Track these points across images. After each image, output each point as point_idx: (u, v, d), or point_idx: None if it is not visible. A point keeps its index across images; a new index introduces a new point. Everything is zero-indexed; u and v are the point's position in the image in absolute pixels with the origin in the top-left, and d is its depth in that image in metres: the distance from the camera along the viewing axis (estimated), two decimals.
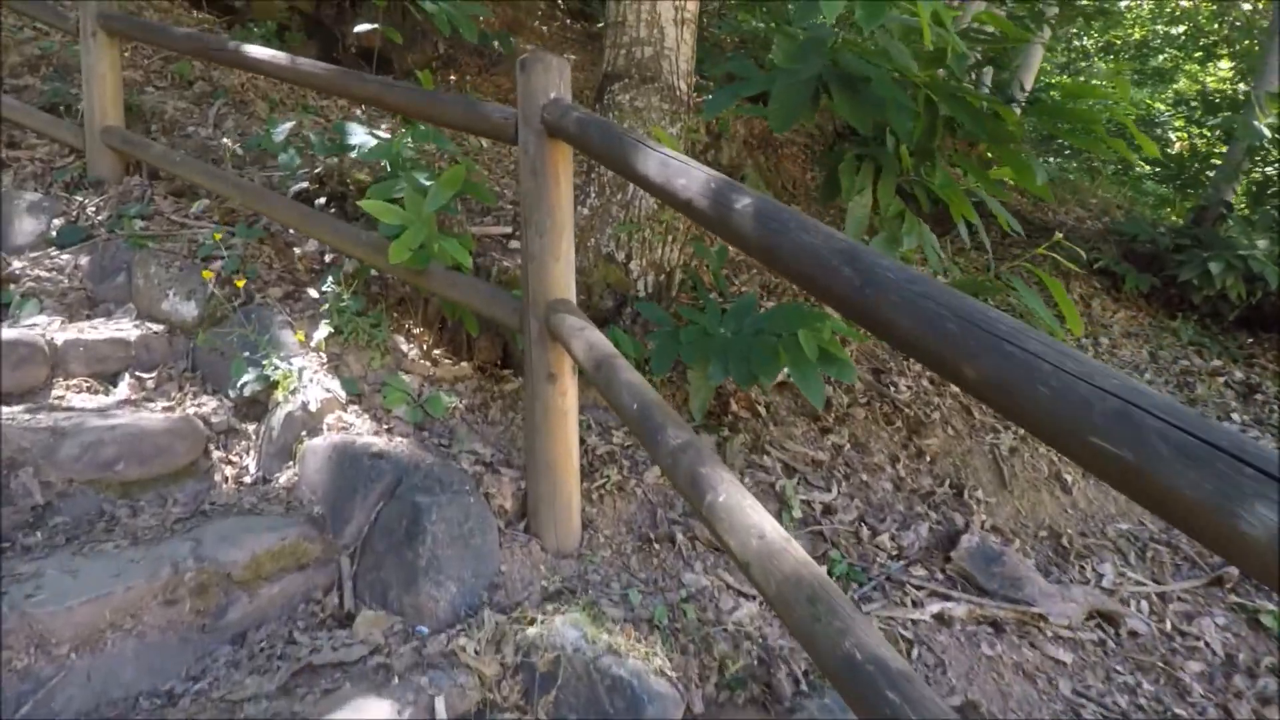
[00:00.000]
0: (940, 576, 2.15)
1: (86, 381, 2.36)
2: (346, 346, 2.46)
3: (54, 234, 2.99)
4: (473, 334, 2.58)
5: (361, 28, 4.08)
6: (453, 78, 6.49)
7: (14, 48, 4.55)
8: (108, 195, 3.21)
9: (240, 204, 2.94)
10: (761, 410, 2.60)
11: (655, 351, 2.35)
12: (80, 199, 3.18)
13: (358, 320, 2.49)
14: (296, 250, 2.97)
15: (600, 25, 8.60)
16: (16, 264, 2.78)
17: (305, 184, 3.26)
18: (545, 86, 1.93)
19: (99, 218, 3.08)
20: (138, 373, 2.46)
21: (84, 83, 3.35)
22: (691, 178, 1.34)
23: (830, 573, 2.09)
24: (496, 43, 6.24)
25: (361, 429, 2.19)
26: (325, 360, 2.38)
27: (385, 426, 2.23)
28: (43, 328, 2.46)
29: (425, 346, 2.65)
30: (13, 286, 2.68)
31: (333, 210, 3.17)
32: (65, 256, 2.91)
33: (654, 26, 3.03)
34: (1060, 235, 2.77)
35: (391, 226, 2.26)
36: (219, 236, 2.76)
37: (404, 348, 2.59)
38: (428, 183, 2.44)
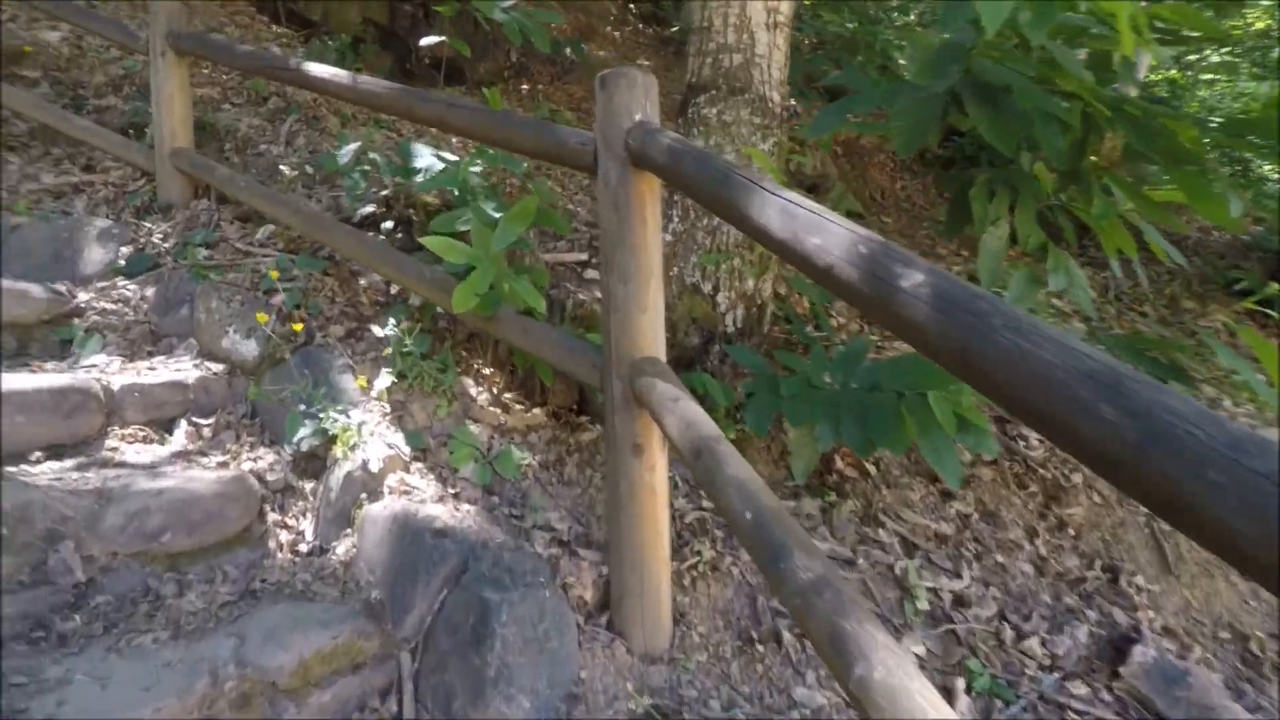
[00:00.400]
0: (1108, 698, 1.77)
1: (142, 430, 2.19)
2: (410, 393, 2.22)
3: (121, 263, 2.87)
4: (547, 383, 2.32)
5: (428, 40, 3.88)
6: (525, 87, 6.29)
7: (99, 67, 4.54)
8: (175, 221, 3.09)
9: (302, 232, 2.75)
10: (871, 468, 2.26)
11: (752, 407, 2.03)
12: (149, 225, 3.06)
13: (423, 364, 2.26)
14: (361, 280, 2.77)
15: (674, 29, 8.28)
16: (83, 296, 2.66)
17: (372, 206, 3.07)
18: (629, 107, 1.64)
19: (166, 245, 2.95)
20: (195, 418, 2.28)
21: (153, 104, 3.24)
22: (830, 236, 1.02)
23: (970, 687, 1.74)
24: (569, 50, 5.99)
25: (425, 493, 1.95)
26: (388, 410, 2.16)
27: (451, 490, 1.98)
28: (101, 369, 2.31)
29: (495, 390, 2.40)
30: (77, 321, 2.55)
31: (399, 235, 2.96)
32: (131, 287, 2.78)
33: (743, 31, 2.71)
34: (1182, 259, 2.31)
35: (457, 265, 2.01)
36: (275, 274, 2.57)
37: (472, 391, 2.35)
38: (496, 214, 2.18)
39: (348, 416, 2.08)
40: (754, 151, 2.31)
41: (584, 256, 2.88)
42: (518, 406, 2.39)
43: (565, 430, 2.37)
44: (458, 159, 2.71)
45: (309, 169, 3.97)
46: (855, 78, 2.17)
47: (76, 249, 2.91)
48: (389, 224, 2.94)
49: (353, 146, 2.97)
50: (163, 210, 3.16)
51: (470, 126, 1.97)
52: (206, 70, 4.67)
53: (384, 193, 3.07)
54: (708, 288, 2.70)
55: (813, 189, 4.70)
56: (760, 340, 2.75)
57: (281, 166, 3.67)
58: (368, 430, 2.06)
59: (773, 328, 2.87)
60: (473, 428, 2.21)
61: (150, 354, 2.54)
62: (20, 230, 2.96)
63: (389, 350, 2.26)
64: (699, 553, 1.95)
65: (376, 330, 2.43)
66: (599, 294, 2.72)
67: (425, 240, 1.94)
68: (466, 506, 1.91)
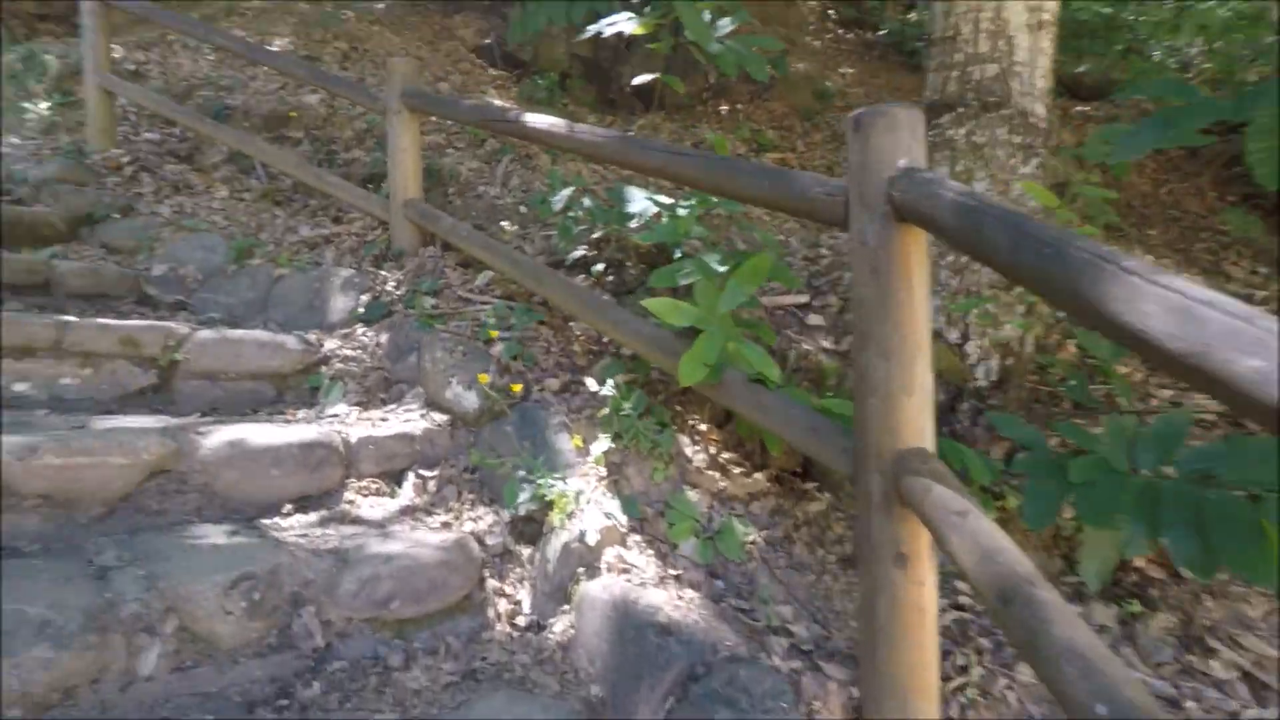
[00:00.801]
0: None
1: (375, 482, 2.25)
2: (626, 454, 2.08)
3: (361, 310, 3.04)
4: (774, 454, 2.08)
5: (641, 79, 3.79)
6: (724, 107, 6.12)
7: (347, 123, 4.99)
8: (407, 268, 3.23)
9: (517, 280, 2.74)
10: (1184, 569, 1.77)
11: (1031, 498, 1.65)
12: (384, 273, 3.23)
13: (638, 423, 2.11)
14: (574, 327, 2.70)
15: (881, 32, 7.72)
16: (328, 345, 2.83)
17: (583, 249, 3.01)
18: (891, 151, 1.36)
19: (398, 293, 3.09)
20: (421, 471, 2.31)
21: (389, 158, 3.43)
22: None
23: None
24: (770, 66, 5.72)
25: (645, 573, 1.78)
26: (604, 474, 2.03)
27: (672, 571, 1.79)
28: (341, 418, 2.42)
29: (712, 450, 2.20)
30: (324, 369, 2.72)
31: (609, 277, 2.87)
32: (369, 333, 2.93)
33: (998, 37, 2.30)
34: None
35: (679, 326, 1.83)
36: (495, 334, 2.56)
37: (688, 451, 2.16)
38: (720, 267, 1.98)
39: (564, 482, 1.98)
40: (1037, 189, 1.90)
41: (805, 299, 2.61)
42: (737, 470, 2.17)
43: (790, 499, 2.11)
44: (670, 200, 2.56)
45: (523, 209, 4.05)
46: (1174, 88, 1.70)
47: (324, 298, 3.13)
48: (600, 266, 2.87)
49: (566, 192, 2.93)
50: (396, 258, 3.33)
51: (697, 176, 1.78)
52: (434, 118, 4.95)
53: (595, 234, 3.01)
54: (954, 335, 2.31)
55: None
56: (1019, 396, 2.32)
57: (499, 205, 3.77)
58: (584, 498, 1.94)
59: (1031, 378, 2.41)
60: (690, 494, 2.02)
61: (383, 401, 2.64)
62: (283, 281, 3.25)
63: (605, 411, 2.14)
64: (964, 669, 1.61)
65: (591, 384, 2.33)
66: (825, 343, 2.43)
67: (647, 304, 1.78)
68: (690, 594, 1.72)
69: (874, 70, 7.09)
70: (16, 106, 4.94)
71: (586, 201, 2.96)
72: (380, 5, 6.87)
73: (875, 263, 1.37)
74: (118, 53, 5.66)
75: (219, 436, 2.04)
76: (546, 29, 5.40)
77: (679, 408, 2.31)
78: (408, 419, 2.44)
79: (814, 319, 2.50)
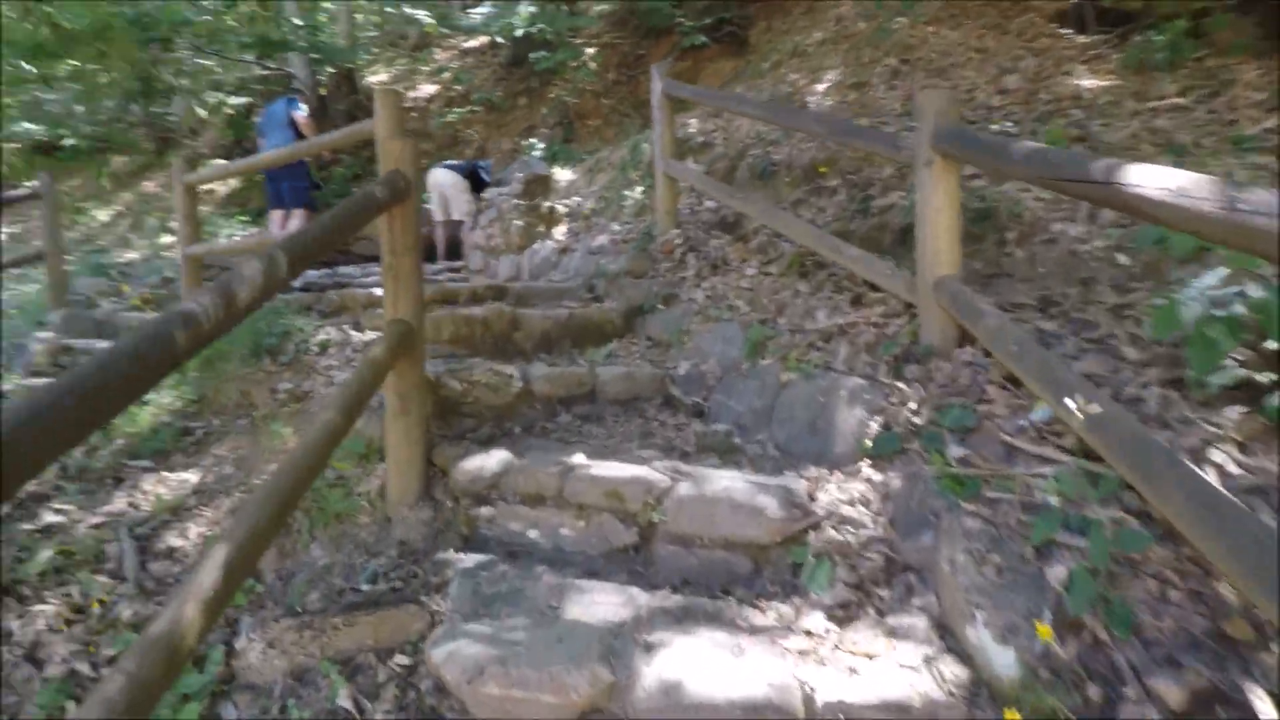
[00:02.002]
0: None
1: None
2: None
3: (868, 441, 2.30)
4: None
5: None
6: None
7: (885, 160, 4.24)
8: (933, 378, 2.34)
9: (1091, 442, 1.57)
10: None
11: None
12: (902, 385, 2.41)
13: None
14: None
15: None
16: (822, 495, 2.19)
17: (1240, 369, 1.64)
18: None
19: (916, 420, 2.24)
20: None
21: (917, 219, 2.57)
22: None
23: None
24: None
25: None
26: None
27: None
28: (816, 636, 1.74)
29: None
30: (811, 537, 2.08)
31: None
32: (875, 478, 2.18)
33: None
34: None
35: None
36: (1055, 538, 1.48)
37: None
38: None
39: None
40: None
41: None
42: None
43: None
44: None
45: (1121, 257, 2.67)
46: None
47: (829, 417, 2.49)
48: (1277, 399, 1.48)
49: (1211, 278, 1.60)
50: (922, 359, 2.47)
51: None
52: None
53: (1269, 344, 1.60)
54: None
55: None
56: None
57: (1082, 256, 2.52)
58: None
59: None
60: None
61: (880, 602, 1.86)
62: (789, 389, 2.74)
63: None
64: None
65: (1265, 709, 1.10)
66: None
67: None
68: None
69: None
70: (621, 195, 5.76)
71: (1252, 290, 1.58)
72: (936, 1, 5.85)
73: None
74: (692, 126, 6.13)
75: (656, 672, 1.60)
76: None
77: None
78: (906, 662, 1.61)
79: None
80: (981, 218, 3.20)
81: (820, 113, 3.65)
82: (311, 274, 5.66)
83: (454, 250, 7.35)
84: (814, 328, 3.03)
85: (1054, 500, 1.65)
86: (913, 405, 2.29)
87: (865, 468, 2.23)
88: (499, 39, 9.64)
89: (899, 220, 3.67)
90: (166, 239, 8.56)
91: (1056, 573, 1.51)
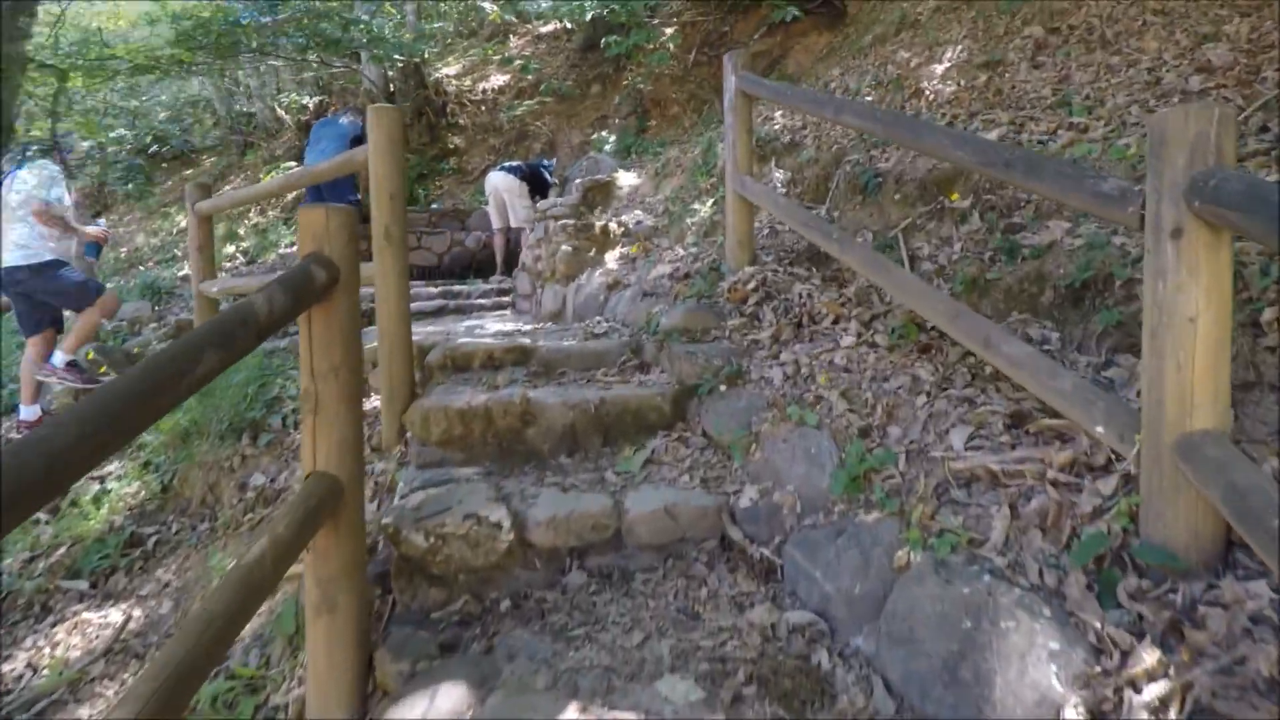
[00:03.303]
0: None
1: None
2: None
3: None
4: None
5: None
6: None
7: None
8: (1180, 625, 1.27)
9: None
10: None
11: None
12: (1112, 627, 1.34)
13: None
14: None
15: None
16: None
17: None
18: None
19: (1155, 692, 1.18)
20: None
21: (1145, 335, 1.48)
22: None
23: None
24: None
25: None
26: None
27: None
28: None
29: None
30: None
31: None
32: None
33: None
34: None
35: None
36: None
37: None
38: None
39: None
40: None
41: None
42: None
43: None
44: None
45: None
46: None
47: (980, 664, 1.45)
48: None
49: None
50: (1155, 569, 1.39)
51: None
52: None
53: None
54: None
55: None
56: None
57: None
58: None
59: None
60: None
61: None
62: (910, 582, 1.70)
63: None
64: None
65: None
66: None
67: None
68: None
69: None
70: (687, 209, 4.74)
71: None
72: None
73: None
74: (777, 124, 5.00)
75: None
76: None
77: None
78: None
79: None
80: (1249, 323, 2.01)
81: (963, 134, 2.51)
82: None
83: (513, 260, 6.59)
84: (947, 456, 1.97)
85: None
86: (1152, 689, 1.23)
87: None
88: (568, 24, 8.70)
89: (1067, 270, 2.52)
90: (229, 248, 8.22)
91: None
